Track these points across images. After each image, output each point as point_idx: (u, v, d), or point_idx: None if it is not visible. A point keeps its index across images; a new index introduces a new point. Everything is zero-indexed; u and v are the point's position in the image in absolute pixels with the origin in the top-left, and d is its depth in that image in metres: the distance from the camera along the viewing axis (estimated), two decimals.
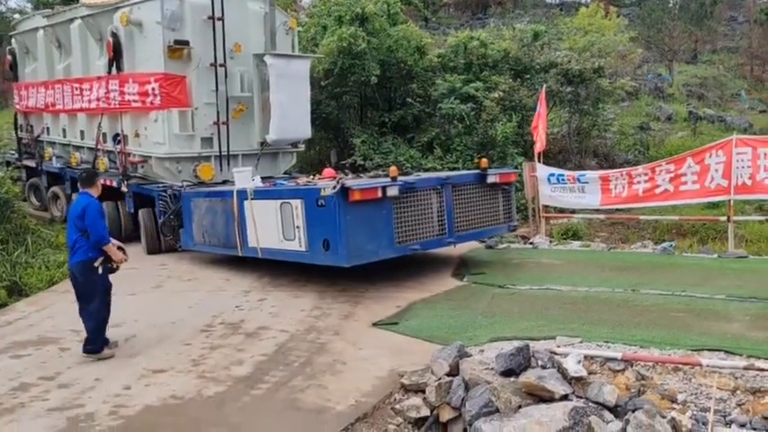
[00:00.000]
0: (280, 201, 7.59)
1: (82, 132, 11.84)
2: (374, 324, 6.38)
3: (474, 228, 8.18)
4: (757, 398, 3.98)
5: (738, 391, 4.10)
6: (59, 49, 12.29)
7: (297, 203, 7.33)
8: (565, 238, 10.81)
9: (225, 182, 9.82)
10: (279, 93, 9.89)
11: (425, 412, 4.85)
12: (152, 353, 5.92)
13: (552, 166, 11.77)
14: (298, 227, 7.34)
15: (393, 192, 7.11)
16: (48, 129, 13.20)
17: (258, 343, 6.07)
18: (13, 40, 14.50)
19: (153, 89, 9.74)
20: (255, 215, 7.95)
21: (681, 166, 8.98)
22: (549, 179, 10.44)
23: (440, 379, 5.04)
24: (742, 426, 3.79)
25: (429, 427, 4.82)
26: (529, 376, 4.59)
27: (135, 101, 10.04)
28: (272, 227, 7.67)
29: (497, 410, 4.52)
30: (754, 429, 3.74)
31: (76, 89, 11.51)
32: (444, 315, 6.50)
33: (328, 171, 9.38)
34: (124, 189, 10.27)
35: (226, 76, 9.89)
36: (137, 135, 10.33)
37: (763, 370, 4.14)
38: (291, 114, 10.12)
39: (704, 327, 5.36)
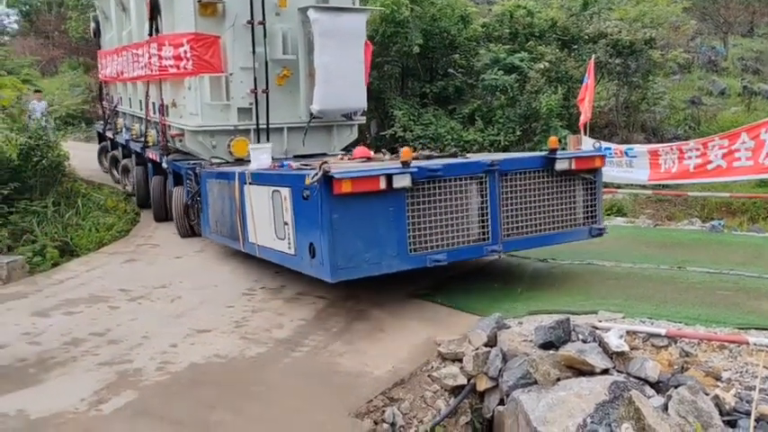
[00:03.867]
0: (271, 188, 6.05)
1: (140, 102, 10.93)
2: (412, 294, 6.41)
3: (534, 232, 6.12)
4: None
5: None
6: (125, 13, 11.42)
7: (285, 193, 5.77)
8: (609, 214, 10.59)
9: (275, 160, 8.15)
10: (324, 54, 8.21)
11: (462, 381, 4.88)
12: (196, 314, 6.10)
13: (598, 140, 11.48)
14: (286, 223, 5.82)
15: (403, 182, 5.33)
16: (120, 99, 12.59)
17: (298, 308, 6.18)
18: (96, 6, 13.93)
19: (185, 52, 8.49)
20: (254, 204, 6.49)
21: (735, 141, 8.66)
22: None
23: (477, 349, 5.05)
24: None
25: (465, 396, 4.85)
26: (569, 350, 4.55)
27: (171, 66, 8.90)
28: (267, 220, 6.21)
29: (535, 382, 4.51)
30: None
31: (134, 56, 10.67)
32: (482, 287, 6.48)
33: (361, 150, 7.64)
34: (164, 165, 9.49)
35: (265, 36, 8.37)
36: (174, 105, 9.31)
37: None
38: (341, 80, 8.46)
39: (752, 305, 5.21)
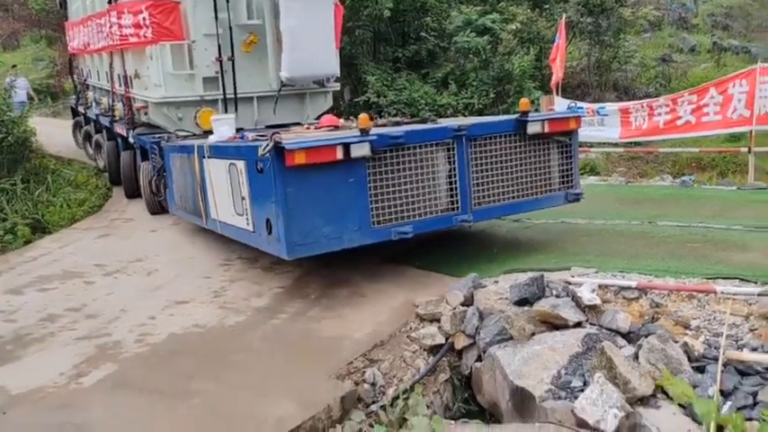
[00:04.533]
0: (228, 161, 5.74)
1: (107, 74, 10.48)
2: (389, 259, 6.45)
3: (507, 199, 5.85)
4: None
5: (752, 317, 4.12)
6: None
7: (241, 166, 5.46)
8: (582, 174, 10.70)
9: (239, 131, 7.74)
10: (290, 17, 7.83)
11: (440, 340, 4.95)
12: (174, 286, 6.09)
13: (573, 100, 11.53)
14: (243, 198, 5.53)
15: (362, 151, 5.03)
16: (89, 72, 12.06)
17: (275, 276, 6.19)
18: None
19: (144, 19, 8.13)
20: (213, 178, 6.16)
21: (703, 96, 8.77)
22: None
23: (454, 309, 5.12)
24: (754, 350, 3.83)
25: (444, 354, 4.94)
26: (543, 305, 4.65)
27: (131, 35, 8.50)
28: (226, 195, 5.90)
29: (511, 338, 4.60)
30: (766, 353, 3.78)
31: (98, 26, 10.21)
32: (458, 249, 6.54)
33: (328, 118, 7.21)
34: (131, 140, 9.15)
35: (228, 0, 8.07)
36: (137, 76, 8.95)
37: None
38: (309, 45, 8.08)
39: (720, 256, 5.35)
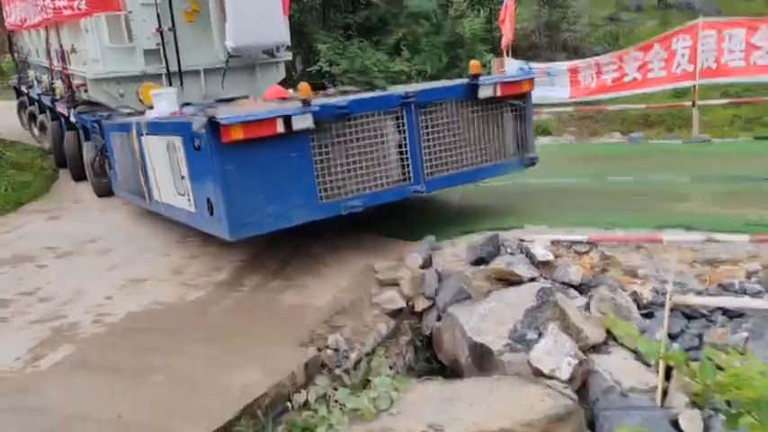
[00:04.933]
0: (166, 138, 5.42)
1: (45, 51, 9.99)
2: (348, 226, 6.45)
3: (461, 167, 5.69)
4: (714, 268, 4.20)
5: (697, 264, 4.31)
6: None
7: (178, 143, 5.16)
8: (534, 135, 10.85)
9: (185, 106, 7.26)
10: None
11: (401, 304, 5.03)
12: (131, 265, 5.98)
13: (522, 61, 11.61)
14: (183, 177, 5.25)
15: (304, 123, 4.77)
16: (29, 49, 11.45)
17: (235, 251, 6.13)
18: None
19: None
20: (153, 157, 5.84)
21: (648, 52, 8.96)
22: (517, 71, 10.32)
23: (414, 272, 5.20)
24: (699, 294, 4.02)
25: (405, 317, 5.02)
26: (498, 263, 4.77)
27: (64, 7, 7.98)
28: (167, 175, 5.59)
29: (469, 297, 4.72)
30: (710, 296, 3.97)
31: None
32: (415, 214, 6.60)
33: (274, 89, 6.74)
34: (72, 119, 8.68)
35: None
36: (74, 51, 8.46)
37: (719, 242, 4.34)
38: (255, 12, 7.67)
39: (667, 207, 5.56)
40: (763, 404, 1.89)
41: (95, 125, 7.64)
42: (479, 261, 4.99)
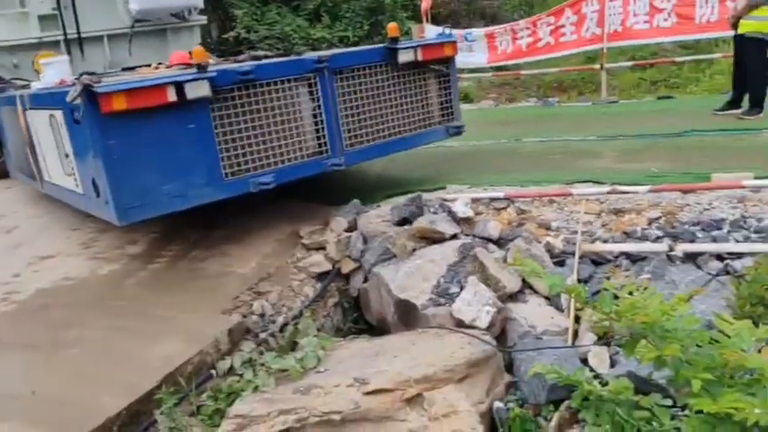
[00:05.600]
0: (48, 112, 4.88)
1: None
2: (272, 193, 6.36)
3: (383, 137, 5.43)
4: (618, 217, 4.45)
5: (603, 214, 4.56)
6: None
7: (59, 117, 4.64)
8: None
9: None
10: None
11: (327, 267, 5.04)
12: (38, 241, 5.67)
13: (448, 26, 11.69)
14: (67, 155, 4.75)
15: (200, 90, 4.25)
16: None
17: (151, 222, 5.90)
18: None
19: None
20: (38, 133, 5.33)
21: (560, 17, 9.25)
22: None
23: (339, 235, 5.21)
24: (605, 242, 4.25)
25: (332, 279, 5.05)
26: (421, 222, 4.85)
27: None
28: (53, 152, 5.09)
29: (394, 256, 4.79)
30: (615, 242, 4.22)
31: None
32: (340, 179, 6.58)
33: (178, 55, 5.99)
34: None
35: None
36: None
37: (623, 193, 4.61)
38: None
39: (577, 164, 5.82)
40: (657, 328, 2.05)
41: None
42: (403, 221, 5.06)
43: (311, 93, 4.91)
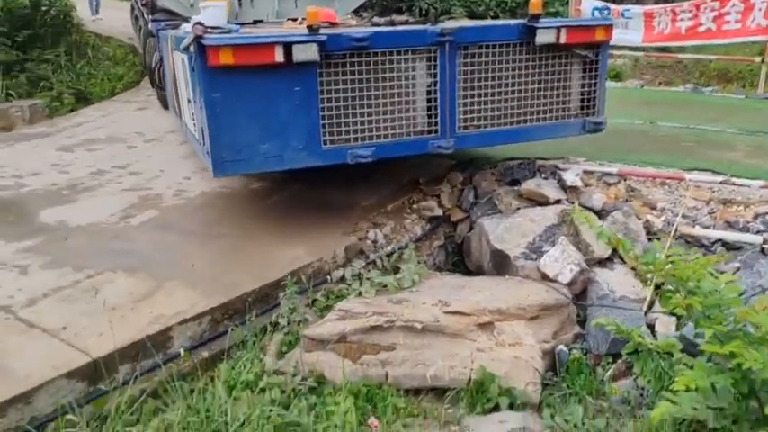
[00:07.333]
0: (182, 55, 4.93)
1: None
2: None
3: (503, 124, 4.89)
4: (726, 207, 4.52)
5: (712, 202, 4.63)
6: None
7: (186, 62, 4.70)
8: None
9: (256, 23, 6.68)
10: None
11: (438, 213, 5.57)
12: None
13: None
14: (190, 101, 4.86)
15: (307, 54, 4.12)
16: None
17: None
18: None
19: None
20: (178, 74, 5.46)
21: (726, 3, 8.76)
22: (593, 12, 10.29)
23: (454, 187, 5.73)
24: (705, 228, 4.38)
25: (440, 224, 5.60)
26: (529, 184, 5.22)
27: None
28: (185, 95, 5.20)
29: (499, 212, 5.22)
30: (716, 230, 4.33)
31: None
32: None
33: (323, 12, 5.11)
34: (150, 26, 8.27)
35: None
36: None
37: (737, 185, 4.64)
38: None
39: (705, 154, 5.78)
40: (691, 285, 2.38)
41: (157, 34, 7.30)
42: (514, 182, 5.45)
43: (429, 67, 4.56)
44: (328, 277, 4.49)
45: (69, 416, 3.04)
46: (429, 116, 4.66)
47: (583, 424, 2.96)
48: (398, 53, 4.45)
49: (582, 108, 5.16)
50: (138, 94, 9.48)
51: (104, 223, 4.98)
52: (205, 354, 3.70)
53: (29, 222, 5.03)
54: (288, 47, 4.08)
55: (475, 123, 4.84)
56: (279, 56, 4.08)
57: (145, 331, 3.52)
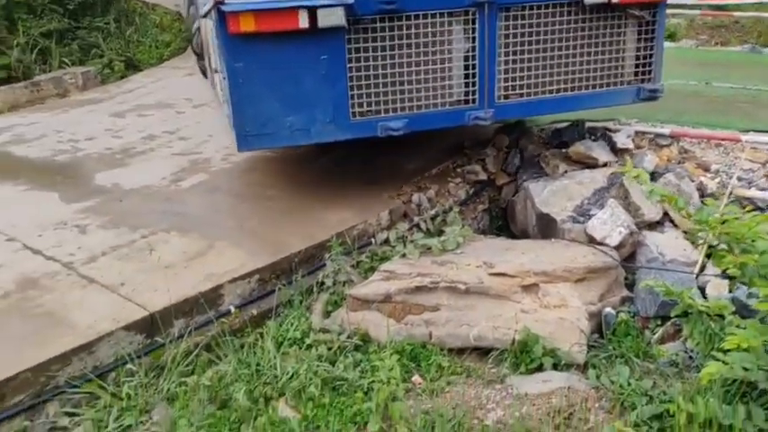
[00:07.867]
0: (210, 22, 4.62)
1: None
2: None
3: (547, 92, 4.54)
4: None
5: None
6: None
7: (212, 29, 4.49)
8: None
9: None
10: None
11: (483, 177, 5.53)
12: None
13: None
14: (216, 71, 4.66)
15: (334, 19, 3.84)
16: None
17: None
18: None
19: None
20: (210, 42, 5.23)
21: None
22: None
23: (499, 150, 5.66)
24: (761, 190, 4.23)
25: (484, 188, 5.56)
26: (578, 146, 5.10)
27: None
28: (215, 64, 4.97)
29: (546, 175, 5.14)
30: None
31: None
32: None
33: None
34: None
35: None
36: None
37: None
38: None
39: (762, 115, 5.54)
40: (744, 244, 2.33)
41: (194, 1, 6.72)
42: (562, 144, 5.34)
43: (466, 31, 4.22)
44: (373, 239, 4.54)
45: (129, 366, 3.21)
46: (466, 85, 4.35)
47: (629, 384, 2.95)
48: (433, 16, 4.11)
49: (636, 74, 4.77)
50: (186, 61, 9.59)
51: (156, 186, 5.13)
52: (254, 311, 3.81)
53: (85, 184, 5.24)
54: (312, 11, 3.80)
55: (517, 92, 4.49)
56: (303, 21, 3.81)
57: (198, 288, 3.66)
